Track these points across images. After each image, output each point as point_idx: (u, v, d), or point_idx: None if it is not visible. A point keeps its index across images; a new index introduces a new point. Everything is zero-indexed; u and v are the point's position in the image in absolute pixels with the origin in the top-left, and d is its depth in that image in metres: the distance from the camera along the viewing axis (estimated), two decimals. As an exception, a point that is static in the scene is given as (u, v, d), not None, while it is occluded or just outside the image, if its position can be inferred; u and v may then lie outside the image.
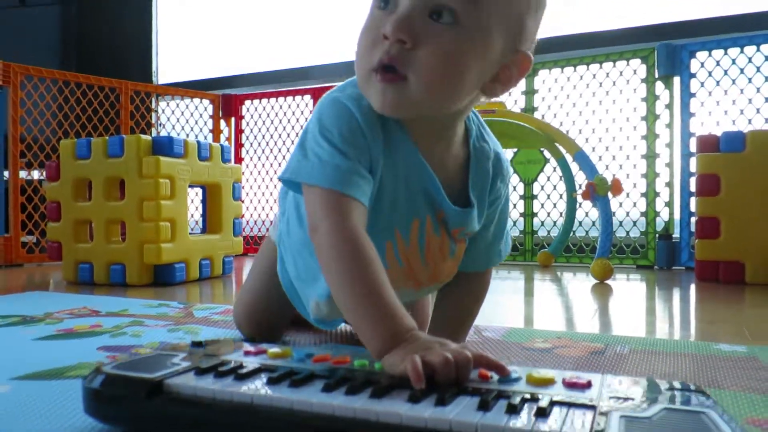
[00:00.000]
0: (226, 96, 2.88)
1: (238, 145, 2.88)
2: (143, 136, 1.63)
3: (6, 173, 2.29)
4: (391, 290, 0.55)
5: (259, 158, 2.84)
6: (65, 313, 1.12)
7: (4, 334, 0.93)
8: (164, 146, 1.64)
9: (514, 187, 2.32)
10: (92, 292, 1.59)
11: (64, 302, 1.27)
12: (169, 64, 3.31)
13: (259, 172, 2.84)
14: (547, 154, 2.23)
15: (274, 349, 0.54)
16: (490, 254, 0.75)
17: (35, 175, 2.55)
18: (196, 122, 2.87)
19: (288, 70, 2.91)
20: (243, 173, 2.60)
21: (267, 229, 2.57)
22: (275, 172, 2.80)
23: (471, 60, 0.57)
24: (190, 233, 1.74)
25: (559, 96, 2.28)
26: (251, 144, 2.87)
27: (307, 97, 2.70)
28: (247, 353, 0.54)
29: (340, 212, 0.57)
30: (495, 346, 0.85)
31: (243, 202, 2.74)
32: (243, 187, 2.73)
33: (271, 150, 2.81)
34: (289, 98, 2.76)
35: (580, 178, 2.02)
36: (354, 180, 0.58)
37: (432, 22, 0.56)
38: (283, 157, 2.79)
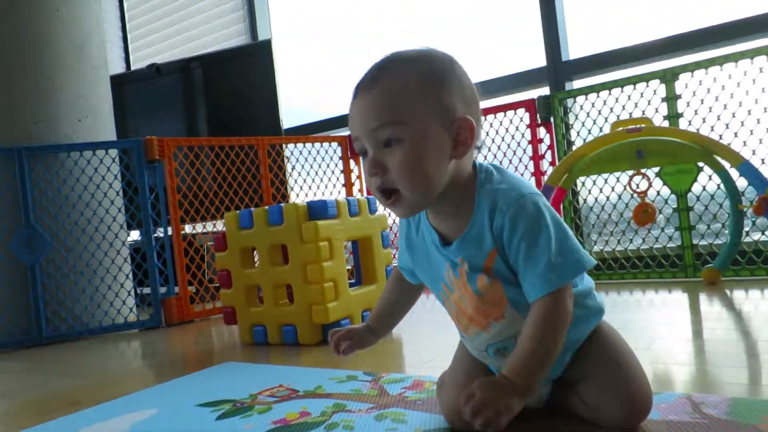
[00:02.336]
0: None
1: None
2: (299, 203, 1.72)
3: (160, 231, 2.50)
4: None
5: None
6: (266, 395, 1.20)
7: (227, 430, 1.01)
8: (320, 210, 1.71)
9: (666, 200, 2.20)
10: (269, 353, 1.70)
11: (259, 377, 1.36)
12: (289, 110, 3.47)
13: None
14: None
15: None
16: (529, 285, 0.77)
17: (187, 229, 2.75)
18: (323, 159, 2.97)
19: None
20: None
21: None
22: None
23: (424, 154, 0.76)
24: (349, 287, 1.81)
25: (707, 99, 2.13)
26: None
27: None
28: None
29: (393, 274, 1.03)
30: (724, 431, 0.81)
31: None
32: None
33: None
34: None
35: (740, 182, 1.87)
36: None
37: (388, 149, 0.77)
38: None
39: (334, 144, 2.97)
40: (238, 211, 1.83)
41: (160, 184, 2.48)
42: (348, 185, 2.98)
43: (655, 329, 1.46)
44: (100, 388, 1.50)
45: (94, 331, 2.39)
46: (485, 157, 2.62)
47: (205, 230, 2.80)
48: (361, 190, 3.00)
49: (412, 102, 0.76)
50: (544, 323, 0.75)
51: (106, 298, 2.44)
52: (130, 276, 2.56)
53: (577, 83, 2.73)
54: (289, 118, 3.44)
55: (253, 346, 1.81)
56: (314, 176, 2.96)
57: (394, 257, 2.70)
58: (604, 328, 0.87)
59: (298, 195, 2.98)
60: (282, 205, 1.74)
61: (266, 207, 1.78)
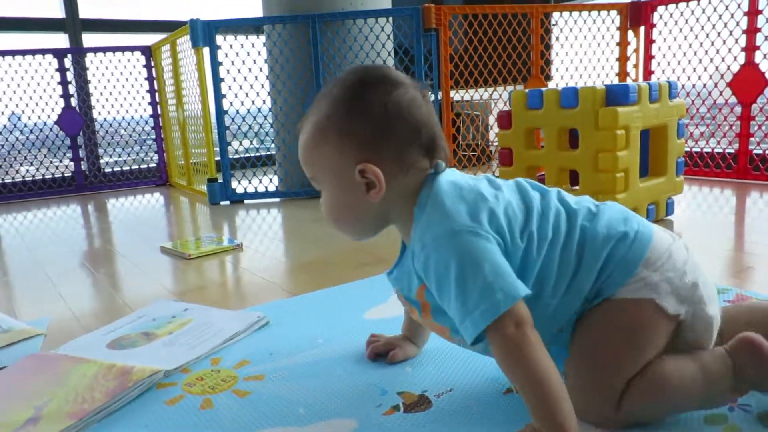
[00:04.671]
0: (635, 3, 2.67)
1: (648, 57, 2.69)
2: (598, 87, 1.63)
3: (438, 95, 2.58)
4: None
5: (674, 70, 2.61)
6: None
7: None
8: (619, 95, 1.61)
9: None
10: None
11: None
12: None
13: (683, 86, 2.62)
14: None
15: None
16: (461, 329, 0.68)
17: (455, 97, 2.79)
18: (596, 34, 2.74)
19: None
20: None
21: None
22: (703, 84, 2.55)
23: (339, 199, 0.75)
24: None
25: None
26: (664, 56, 2.64)
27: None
28: None
29: None
30: None
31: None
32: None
33: (689, 61, 2.54)
34: (715, -1, 2.42)
35: None
36: None
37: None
38: (705, 68, 2.51)
39: (613, 12, 2.71)
40: (526, 90, 1.80)
41: (435, 52, 2.52)
42: (622, 59, 2.75)
43: None
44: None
45: (369, 189, 2.64)
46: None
47: (470, 100, 2.83)
48: (636, 65, 2.75)
49: (319, 152, 0.74)
50: (505, 367, 0.66)
51: (380, 160, 2.65)
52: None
53: None
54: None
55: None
56: (580, 50, 2.77)
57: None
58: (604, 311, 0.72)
59: (557, 69, 2.83)
60: (577, 87, 1.67)
61: (559, 88, 1.72)
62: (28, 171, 3.28)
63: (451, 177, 0.74)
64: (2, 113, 3.13)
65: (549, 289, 0.70)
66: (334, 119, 0.72)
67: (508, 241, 0.69)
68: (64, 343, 1.09)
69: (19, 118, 3.22)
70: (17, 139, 3.23)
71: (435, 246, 0.68)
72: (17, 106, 3.15)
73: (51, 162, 3.31)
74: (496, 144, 2.89)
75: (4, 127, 3.18)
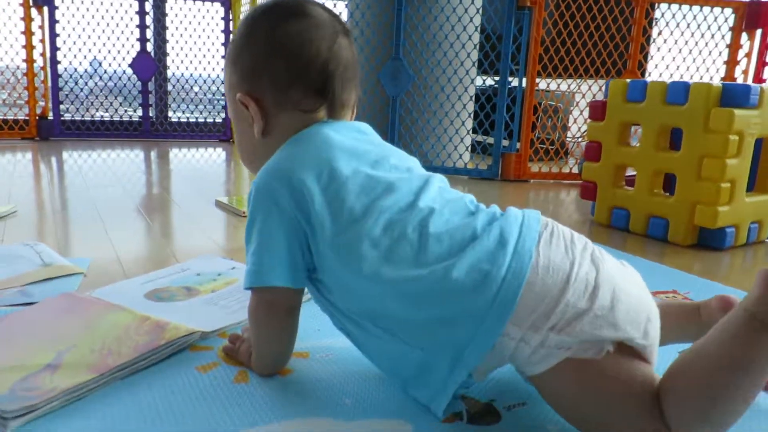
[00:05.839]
0: (755, 3, 2.42)
1: (762, 64, 2.44)
2: (713, 84, 1.44)
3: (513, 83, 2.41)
4: None
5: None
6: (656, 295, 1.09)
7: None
8: (738, 95, 1.42)
9: None
10: (626, 241, 1.57)
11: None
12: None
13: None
14: None
15: None
16: None
17: (541, 85, 2.61)
18: (705, 32, 2.51)
19: None
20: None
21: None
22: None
23: (237, 131, 0.75)
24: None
25: None
26: (780, 63, 2.39)
27: None
28: None
29: None
30: None
31: None
32: None
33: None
34: None
35: None
36: None
37: None
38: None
39: (727, 11, 2.47)
40: (627, 80, 1.62)
41: (525, 33, 2.35)
42: (732, 63, 2.51)
43: None
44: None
45: (436, 170, 2.50)
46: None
47: (551, 90, 2.64)
48: (746, 71, 2.50)
49: (225, 86, 0.75)
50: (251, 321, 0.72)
51: (452, 141, 2.51)
52: (472, 123, 2.58)
53: None
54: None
55: (608, 228, 1.69)
56: (684, 49, 2.53)
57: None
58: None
59: (656, 66, 2.61)
60: (689, 82, 1.48)
61: (666, 81, 1.54)
62: (102, 117, 3.30)
63: (333, 132, 0.68)
64: (85, 57, 3.14)
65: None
66: (229, 52, 0.73)
67: (319, 229, 0.63)
68: (102, 286, 1.02)
69: (100, 64, 3.23)
70: (96, 84, 3.24)
71: (251, 192, 0.67)
72: (99, 51, 3.15)
73: (122, 108, 3.31)
74: (578, 139, 2.70)
75: (85, 71, 3.20)
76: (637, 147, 1.62)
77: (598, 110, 1.70)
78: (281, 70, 0.68)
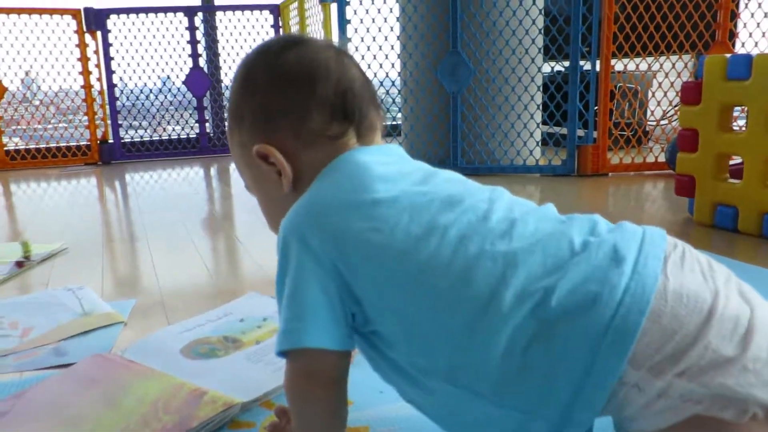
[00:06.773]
0: None
1: None
2: (840, 51, 1.20)
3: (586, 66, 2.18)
4: None
5: None
6: None
7: None
8: None
9: None
10: (734, 244, 1.35)
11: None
12: None
13: None
14: None
15: None
16: None
17: (617, 67, 2.37)
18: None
19: None
20: None
21: None
22: None
23: (264, 197, 0.63)
24: None
25: None
26: None
27: None
28: None
29: None
30: None
31: None
32: None
33: None
34: None
35: None
36: None
37: None
38: None
39: (833, -37, 2.15)
40: (727, 56, 1.39)
41: (596, 11, 2.12)
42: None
43: None
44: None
45: (505, 169, 2.32)
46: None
47: (626, 71, 2.40)
48: None
49: (234, 154, 0.63)
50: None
51: (520, 137, 2.32)
52: (541, 115, 2.37)
53: None
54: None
55: (711, 228, 1.47)
56: (761, 40, 2.22)
57: None
58: None
59: (743, 44, 2.31)
60: (807, 51, 1.25)
61: (777, 52, 1.30)
62: (173, 130, 3.29)
63: (366, 156, 0.55)
64: (149, 77, 3.14)
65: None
66: (229, 109, 0.62)
67: (368, 267, 0.49)
68: (142, 333, 0.92)
69: (168, 77, 3.22)
70: (166, 98, 3.24)
71: (280, 236, 0.53)
72: (153, 69, 3.13)
73: (179, 123, 3.30)
74: (662, 123, 2.44)
75: (154, 84, 3.20)
76: (743, 132, 1.38)
77: (691, 92, 1.48)
78: (294, 100, 0.57)
